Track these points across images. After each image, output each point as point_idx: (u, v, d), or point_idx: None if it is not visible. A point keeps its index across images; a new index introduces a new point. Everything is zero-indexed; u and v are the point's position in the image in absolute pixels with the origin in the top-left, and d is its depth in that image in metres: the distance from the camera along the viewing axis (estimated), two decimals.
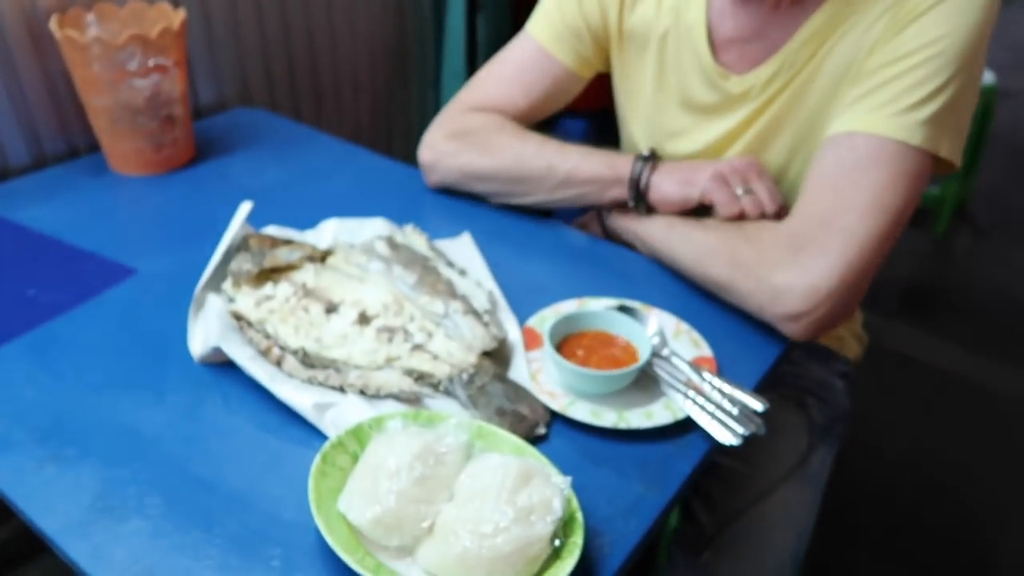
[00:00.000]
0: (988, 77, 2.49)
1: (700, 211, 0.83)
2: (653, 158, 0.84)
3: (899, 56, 0.72)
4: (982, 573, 1.46)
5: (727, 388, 0.68)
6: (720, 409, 0.66)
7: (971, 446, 1.74)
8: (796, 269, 0.72)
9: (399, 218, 0.92)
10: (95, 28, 1.02)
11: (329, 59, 1.43)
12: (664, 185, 0.82)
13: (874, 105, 0.73)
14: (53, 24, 0.96)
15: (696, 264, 0.81)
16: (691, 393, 0.68)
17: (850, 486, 1.39)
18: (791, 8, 0.79)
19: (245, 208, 0.84)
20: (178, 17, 1.01)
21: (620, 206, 0.88)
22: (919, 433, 1.77)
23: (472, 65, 1.56)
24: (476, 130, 0.93)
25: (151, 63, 0.97)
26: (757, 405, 0.67)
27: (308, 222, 0.92)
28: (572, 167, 0.86)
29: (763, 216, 0.80)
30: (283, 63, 1.36)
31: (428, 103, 1.64)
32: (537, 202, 0.92)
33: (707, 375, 0.70)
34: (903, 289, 2.34)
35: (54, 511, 0.57)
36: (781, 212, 0.80)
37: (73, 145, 1.11)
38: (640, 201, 0.84)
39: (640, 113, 0.95)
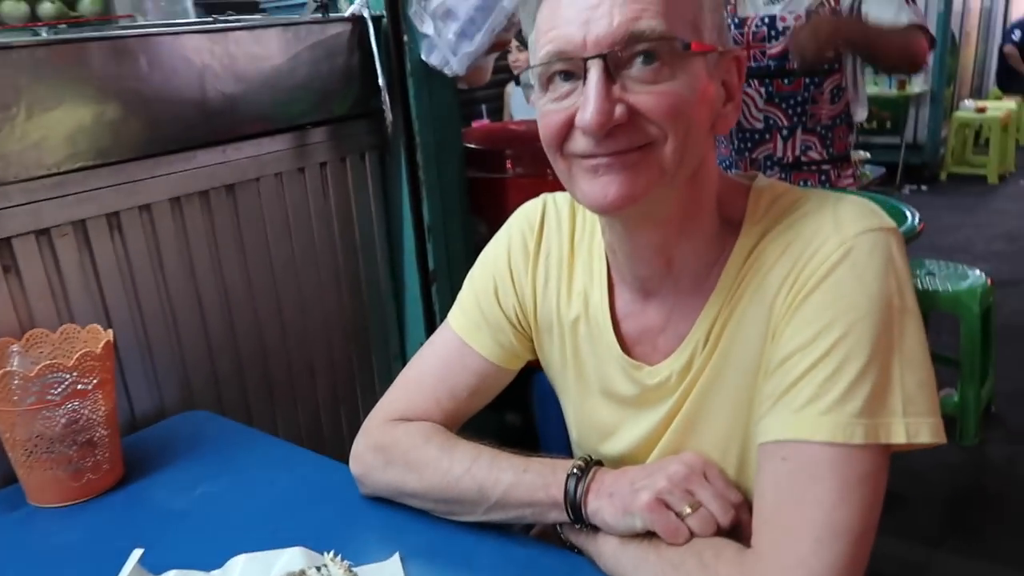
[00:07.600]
0: (979, 276, 2.42)
1: None
2: (587, 472, 0.74)
3: (803, 344, 0.64)
4: None
5: None
6: None
7: None
8: None
9: (328, 534, 0.83)
10: (16, 359, 1.00)
11: (281, 350, 1.40)
12: (603, 513, 0.72)
13: (797, 406, 0.63)
14: None
15: None
16: None
17: None
18: (690, 296, 0.74)
19: (135, 556, 0.75)
20: (103, 338, 0.99)
21: None
22: None
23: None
24: (400, 443, 0.85)
25: (68, 390, 0.93)
26: None
27: (225, 551, 0.82)
28: (505, 489, 0.77)
29: (719, 531, 0.68)
30: (230, 362, 1.33)
31: (395, 377, 1.59)
32: (477, 521, 0.82)
33: None
34: (942, 511, 2.11)
35: None
36: (739, 514, 0.69)
37: None
38: (584, 524, 0.74)
39: (570, 405, 0.88)
